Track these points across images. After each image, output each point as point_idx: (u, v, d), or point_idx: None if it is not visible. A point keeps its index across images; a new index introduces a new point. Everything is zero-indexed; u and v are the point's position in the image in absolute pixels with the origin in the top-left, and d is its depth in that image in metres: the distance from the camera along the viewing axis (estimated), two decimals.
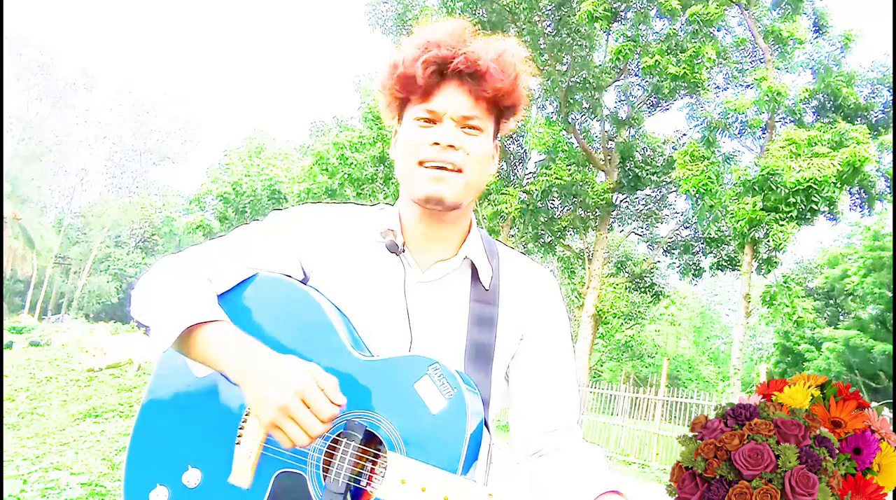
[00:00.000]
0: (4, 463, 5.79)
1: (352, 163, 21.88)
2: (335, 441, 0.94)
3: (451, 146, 1.02)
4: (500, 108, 1.07)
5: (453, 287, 1.10)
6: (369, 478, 0.94)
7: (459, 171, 1.03)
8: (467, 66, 1.02)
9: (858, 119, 14.54)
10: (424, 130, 1.03)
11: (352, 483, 0.93)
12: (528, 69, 1.10)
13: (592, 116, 18.75)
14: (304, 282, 1.11)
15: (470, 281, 1.11)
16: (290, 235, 1.11)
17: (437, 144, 1.02)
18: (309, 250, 1.11)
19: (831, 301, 26.70)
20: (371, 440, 0.95)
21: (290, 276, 1.09)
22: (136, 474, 1.02)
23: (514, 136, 19.64)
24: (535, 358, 1.12)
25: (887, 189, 13.91)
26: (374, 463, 0.95)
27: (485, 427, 0.99)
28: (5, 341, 21.33)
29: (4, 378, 13.97)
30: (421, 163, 1.03)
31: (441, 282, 1.10)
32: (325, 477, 0.93)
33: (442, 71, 1.02)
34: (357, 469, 0.94)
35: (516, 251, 1.20)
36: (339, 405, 0.89)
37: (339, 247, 1.11)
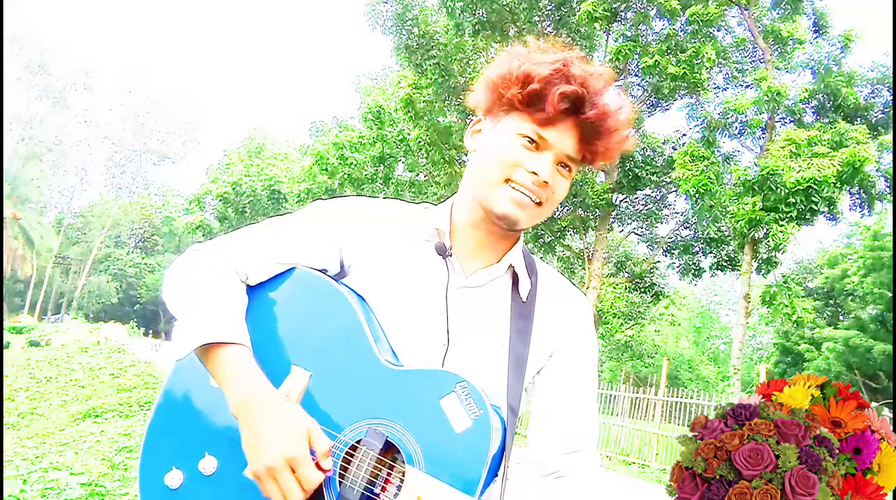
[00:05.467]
0: (4, 463, 5.79)
1: (352, 163, 21.88)
2: (353, 448, 0.93)
3: (546, 183, 1.02)
4: (593, 161, 1.07)
5: (494, 295, 1.09)
6: (383, 488, 0.93)
7: (540, 204, 1.03)
8: (597, 118, 1.01)
9: (858, 119, 14.52)
10: (526, 152, 1.02)
11: (366, 493, 0.92)
12: (634, 139, 1.11)
13: None
14: (340, 275, 1.09)
15: (510, 291, 1.10)
16: (332, 226, 1.10)
17: (535, 173, 1.01)
18: (351, 241, 1.09)
19: (831, 301, 26.68)
20: (388, 448, 0.94)
21: (325, 270, 1.08)
22: (152, 454, 1.02)
23: None
24: (561, 378, 1.12)
25: (887, 189, 13.90)
26: (389, 472, 0.94)
27: (507, 445, 0.97)
28: (5, 341, 21.32)
29: (4, 378, 13.97)
30: (508, 180, 1.02)
31: (483, 288, 1.09)
32: (340, 483, 0.93)
33: (573, 109, 1.01)
34: (372, 479, 0.93)
35: (554, 270, 1.20)
36: (326, 472, 0.89)
37: (385, 242, 1.10)
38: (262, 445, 0.87)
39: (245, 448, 0.89)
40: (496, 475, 0.96)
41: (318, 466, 0.88)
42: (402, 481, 0.91)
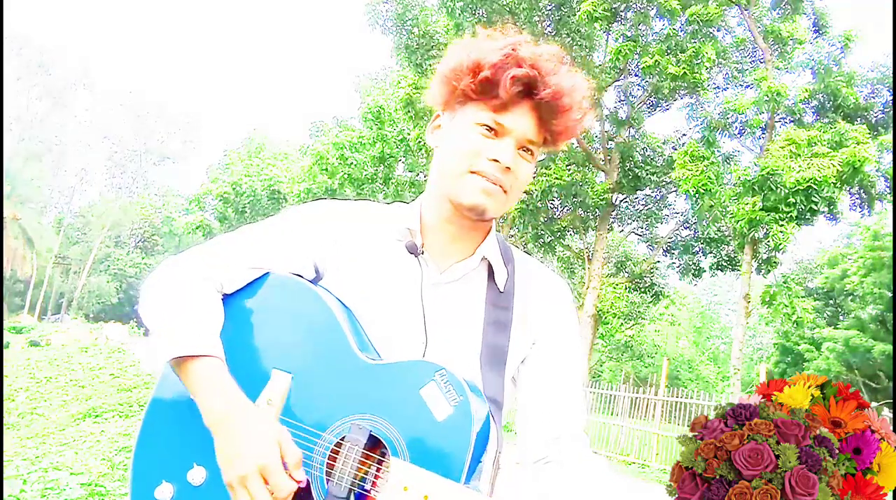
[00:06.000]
0: (4, 463, 5.79)
1: (351, 163, 21.90)
2: (339, 445, 0.94)
3: (508, 168, 1.02)
4: (555, 142, 1.08)
5: (470, 288, 1.10)
6: (373, 483, 0.93)
7: (505, 191, 1.04)
8: (552, 97, 1.01)
9: (858, 119, 14.53)
10: (486, 140, 1.02)
11: (354, 488, 0.93)
12: (593, 113, 1.11)
13: None
14: (316, 280, 1.09)
15: (486, 282, 1.10)
16: (304, 232, 1.10)
17: (496, 161, 1.01)
18: (324, 246, 1.09)
19: (831, 301, 26.68)
20: (375, 445, 0.94)
21: (300, 275, 1.08)
22: (142, 470, 1.03)
23: None
24: (545, 365, 1.11)
25: (887, 189, 13.90)
26: (379, 468, 0.94)
27: (493, 433, 0.98)
28: (5, 341, 21.33)
29: (4, 378, 13.97)
30: (473, 172, 1.02)
31: (458, 283, 1.09)
32: (328, 481, 0.93)
33: (527, 91, 1.01)
34: (360, 474, 0.93)
35: (532, 258, 1.20)
36: (297, 482, 0.89)
37: (357, 244, 1.10)
38: (235, 455, 0.88)
39: (219, 459, 0.91)
40: (480, 461, 0.96)
41: (290, 476, 0.88)
42: (389, 473, 0.91)
